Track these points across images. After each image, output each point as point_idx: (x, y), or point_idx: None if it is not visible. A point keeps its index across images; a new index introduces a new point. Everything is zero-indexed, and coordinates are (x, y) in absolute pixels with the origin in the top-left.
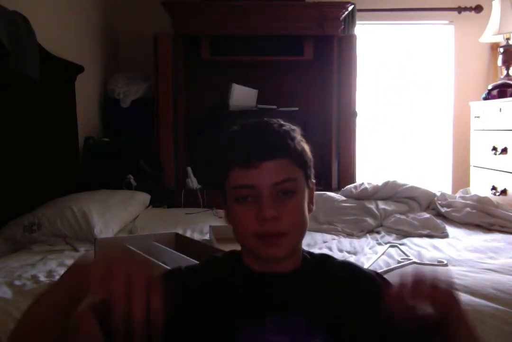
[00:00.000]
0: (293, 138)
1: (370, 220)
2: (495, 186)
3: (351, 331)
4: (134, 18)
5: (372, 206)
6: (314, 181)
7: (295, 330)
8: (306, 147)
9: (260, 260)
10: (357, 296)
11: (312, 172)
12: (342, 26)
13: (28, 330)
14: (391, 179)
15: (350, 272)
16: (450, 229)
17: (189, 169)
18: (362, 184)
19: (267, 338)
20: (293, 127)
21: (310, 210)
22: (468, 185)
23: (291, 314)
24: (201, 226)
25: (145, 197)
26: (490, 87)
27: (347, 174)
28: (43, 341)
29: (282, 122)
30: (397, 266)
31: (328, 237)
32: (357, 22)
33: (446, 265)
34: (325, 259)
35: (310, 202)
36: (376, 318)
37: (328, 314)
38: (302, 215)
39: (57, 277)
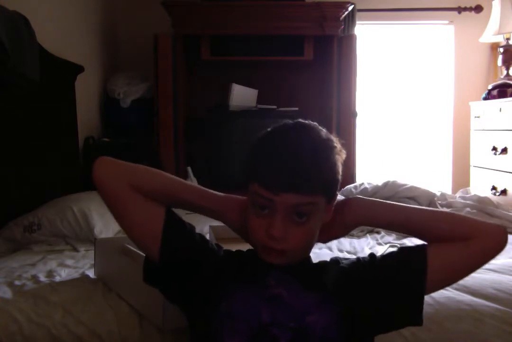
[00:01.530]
0: (327, 170)
1: None
2: (495, 186)
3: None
4: (134, 18)
5: None
6: (337, 194)
7: (293, 285)
8: (339, 170)
9: None
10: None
11: (337, 191)
12: (342, 26)
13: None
14: (391, 179)
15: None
16: None
17: (189, 169)
18: (362, 184)
19: (270, 290)
20: (332, 143)
21: (325, 220)
22: (468, 185)
23: (289, 274)
24: (201, 226)
25: None
26: (490, 87)
27: (347, 174)
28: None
29: (321, 136)
30: None
31: None
32: (357, 22)
33: None
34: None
35: (328, 213)
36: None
37: (324, 279)
38: (311, 238)
39: (57, 277)
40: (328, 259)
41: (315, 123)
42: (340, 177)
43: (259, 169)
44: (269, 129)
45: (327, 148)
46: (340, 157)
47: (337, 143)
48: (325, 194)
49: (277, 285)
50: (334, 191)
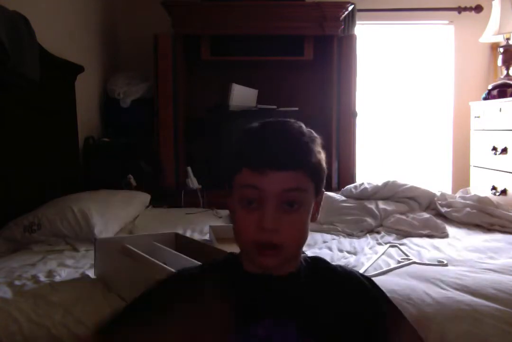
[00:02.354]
0: (311, 150)
1: (370, 220)
2: (495, 186)
3: (341, 338)
4: (134, 18)
5: (372, 206)
6: (323, 191)
7: (286, 335)
8: (323, 159)
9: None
10: (349, 303)
11: (323, 184)
12: (342, 26)
13: None
14: (391, 179)
15: (344, 278)
16: (450, 229)
17: (189, 169)
18: (362, 184)
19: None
20: (314, 135)
21: (314, 219)
22: (468, 185)
23: (284, 319)
24: (201, 226)
25: (145, 197)
26: (490, 87)
27: (347, 174)
28: None
29: (304, 128)
30: (397, 266)
31: (328, 237)
32: (357, 22)
33: (446, 265)
34: (319, 262)
35: (316, 211)
36: (366, 325)
37: (320, 320)
38: (303, 229)
39: (57, 277)
40: (327, 258)
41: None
42: (325, 170)
43: (244, 153)
44: (248, 126)
45: (311, 137)
46: (323, 151)
47: (314, 132)
48: (312, 177)
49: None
50: (320, 178)
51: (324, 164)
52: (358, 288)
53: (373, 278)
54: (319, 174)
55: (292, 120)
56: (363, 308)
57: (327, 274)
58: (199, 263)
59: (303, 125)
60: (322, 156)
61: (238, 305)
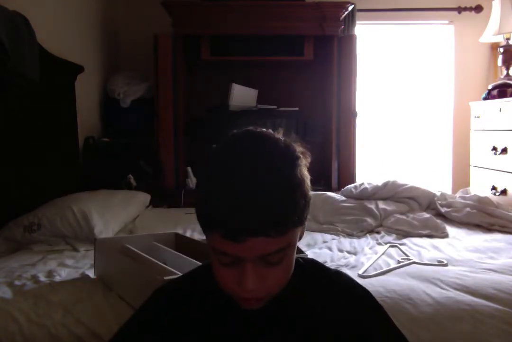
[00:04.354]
0: (295, 202)
1: (370, 220)
2: (495, 186)
3: None
4: (134, 18)
5: (372, 206)
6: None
7: None
8: (306, 179)
9: None
10: (341, 320)
11: (308, 211)
12: (342, 26)
13: None
14: (391, 179)
15: (335, 290)
16: (450, 229)
17: (189, 169)
18: (362, 184)
19: None
20: (292, 151)
21: (300, 238)
22: (468, 185)
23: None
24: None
25: (145, 197)
26: (490, 87)
27: (347, 174)
28: None
29: (280, 146)
30: (397, 266)
31: (328, 237)
32: (357, 22)
33: (446, 265)
34: (313, 270)
35: (302, 234)
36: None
37: (307, 338)
38: (287, 276)
39: (57, 277)
40: (327, 258)
41: (267, 131)
42: (310, 192)
43: (211, 215)
44: (213, 156)
45: (290, 165)
46: (305, 166)
47: (298, 151)
48: (299, 224)
49: None
50: (305, 217)
51: (309, 189)
52: (349, 300)
53: (373, 278)
54: (304, 216)
55: (262, 134)
56: (352, 321)
57: (318, 286)
58: (199, 263)
59: (277, 141)
60: (306, 182)
61: (220, 329)
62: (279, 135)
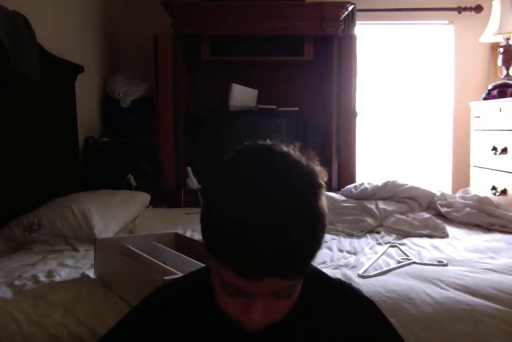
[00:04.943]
0: (313, 241)
1: (370, 220)
2: (495, 186)
3: None
4: (134, 18)
5: (372, 206)
6: None
7: None
8: (324, 206)
9: None
10: (344, 327)
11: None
12: (342, 26)
13: None
14: (391, 179)
15: (342, 300)
16: (450, 229)
17: (189, 169)
18: (362, 184)
19: None
20: (310, 172)
21: None
22: (468, 185)
23: None
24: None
25: (145, 197)
26: (490, 87)
27: (347, 174)
28: None
29: (300, 168)
30: (397, 266)
31: (328, 237)
32: (357, 22)
33: (446, 265)
34: (316, 284)
35: None
36: None
37: None
38: (295, 300)
39: (57, 277)
40: (327, 258)
41: (286, 150)
42: (326, 221)
43: (227, 253)
44: (225, 176)
45: (314, 196)
46: (324, 189)
47: (315, 170)
48: (313, 261)
49: None
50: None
51: (326, 217)
52: (352, 317)
53: (373, 278)
54: (321, 244)
55: (287, 157)
56: (355, 329)
57: (320, 295)
58: (199, 263)
59: (304, 166)
60: (325, 210)
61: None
62: (296, 152)
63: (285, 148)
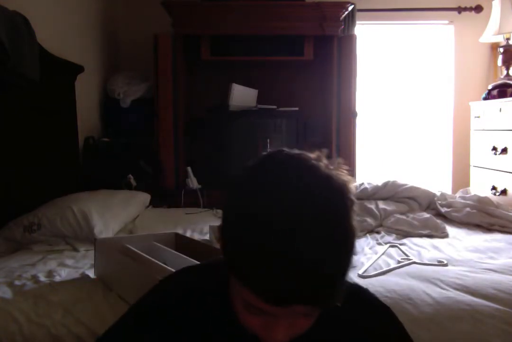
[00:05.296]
0: (350, 252)
1: (370, 220)
2: (495, 186)
3: None
4: (134, 18)
5: (372, 206)
6: None
7: None
8: (355, 222)
9: None
10: (359, 333)
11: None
12: (342, 26)
13: None
14: (391, 179)
15: (359, 306)
16: (450, 229)
17: (189, 169)
18: (362, 184)
19: None
20: (341, 185)
21: None
22: (468, 185)
23: None
24: (201, 226)
25: (145, 197)
26: (490, 87)
27: (347, 174)
28: None
29: (338, 191)
30: (397, 266)
31: None
32: (357, 22)
33: (446, 265)
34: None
35: None
36: None
37: None
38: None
39: (57, 277)
40: None
41: (316, 162)
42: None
43: (251, 280)
44: (248, 190)
45: (348, 214)
46: (355, 205)
47: (346, 184)
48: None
49: None
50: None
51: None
52: (371, 324)
53: (373, 278)
54: (348, 273)
55: (318, 171)
56: (371, 336)
57: (339, 308)
58: (199, 263)
59: (335, 180)
60: (355, 227)
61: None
62: (323, 160)
63: (313, 160)
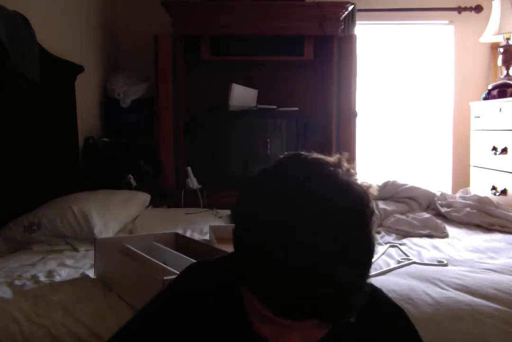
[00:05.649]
0: (369, 267)
1: None
2: (495, 186)
3: None
4: (134, 18)
5: None
6: None
7: None
8: (374, 246)
9: None
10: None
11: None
12: (342, 26)
13: None
14: (391, 179)
15: (371, 307)
16: (450, 229)
17: (189, 169)
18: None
19: None
20: (361, 198)
21: None
22: (468, 185)
23: None
24: (201, 226)
25: (145, 197)
26: (490, 87)
27: None
28: None
29: (360, 201)
30: (397, 266)
31: None
32: (357, 22)
33: (446, 265)
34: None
35: None
36: None
37: None
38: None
39: (57, 277)
40: None
41: (325, 161)
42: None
43: (265, 295)
44: (263, 198)
45: (370, 227)
46: (375, 215)
47: (366, 192)
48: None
49: None
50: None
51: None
52: (385, 326)
53: (373, 278)
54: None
55: (338, 177)
56: (381, 336)
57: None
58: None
59: (356, 188)
60: (375, 238)
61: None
62: (343, 165)
63: (332, 165)
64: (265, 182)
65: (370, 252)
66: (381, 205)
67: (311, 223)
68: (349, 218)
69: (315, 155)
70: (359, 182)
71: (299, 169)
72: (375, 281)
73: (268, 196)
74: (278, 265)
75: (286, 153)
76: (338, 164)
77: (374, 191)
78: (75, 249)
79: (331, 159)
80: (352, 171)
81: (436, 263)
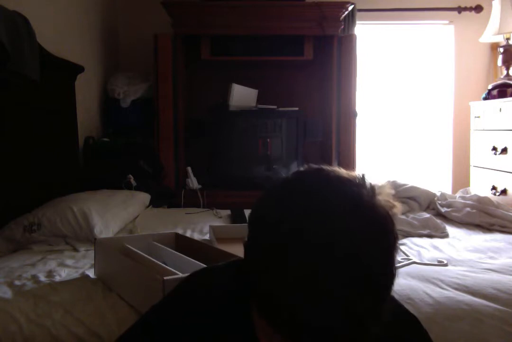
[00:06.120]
0: (391, 292)
1: None
2: (495, 186)
3: None
4: (134, 18)
5: None
6: None
7: None
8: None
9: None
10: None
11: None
12: (342, 26)
13: None
14: (391, 179)
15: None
16: (450, 229)
17: (189, 169)
18: None
19: None
20: (397, 232)
21: None
22: (468, 185)
23: None
24: (201, 226)
25: (145, 197)
26: (490, 87)
27: None
28: None
29: (387, 225)
30: (397, 266)
31: None
32: (357, 22)
33: (446, 265)
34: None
35: None
36: None
37: None
38: None
39: (57, 277)
40: None
41: (349, 182)
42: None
43: (280, 325)
44: (286, 219)
45: (384, 259)
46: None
47: (390, 215)
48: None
49: None
50: None
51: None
52: (401, 336)
53: None
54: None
55: (365, 200)
56: None
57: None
58: (199, 263)
59: (381, 210)
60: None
61: None
62: (366, 184)
63: (355, 184)
64: (288, 204)
65: (390, 283)
66: None
67: (345, 250)
68: (372, 248)
69: (337, 171)
70: (383, 202)
71: (322, 191)
72: None
73: (303, 223)
74: (301, 297)
75: (308, 168)
76: (362, 183)
77: (398, 211)
78: (75, 249)
79: (353, 175)
80: (376, 190)
81: (436, 263)
